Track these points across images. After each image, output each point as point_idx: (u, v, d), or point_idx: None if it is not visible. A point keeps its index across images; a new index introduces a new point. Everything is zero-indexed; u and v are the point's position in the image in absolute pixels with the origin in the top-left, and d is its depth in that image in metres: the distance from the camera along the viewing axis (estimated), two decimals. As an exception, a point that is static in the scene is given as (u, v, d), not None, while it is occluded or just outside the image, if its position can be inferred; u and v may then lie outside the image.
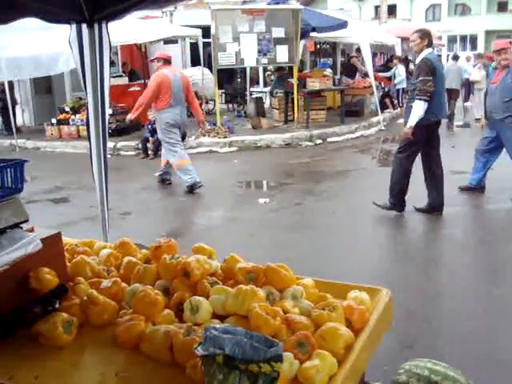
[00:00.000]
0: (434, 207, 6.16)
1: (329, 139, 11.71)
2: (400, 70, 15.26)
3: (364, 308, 1.86)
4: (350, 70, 15.68)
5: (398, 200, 6.16)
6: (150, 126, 10.91)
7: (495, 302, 4.03)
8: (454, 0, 40.00)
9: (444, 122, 8.30)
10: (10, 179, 1.98)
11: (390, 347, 3.04)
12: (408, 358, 2.47)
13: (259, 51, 11.40)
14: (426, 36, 5.94)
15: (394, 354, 3.08)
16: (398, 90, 15.50)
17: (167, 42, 15.94)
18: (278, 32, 11.44)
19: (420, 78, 5.72)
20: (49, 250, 1.98)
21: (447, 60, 31.54)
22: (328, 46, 17.53)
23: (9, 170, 1.98)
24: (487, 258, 5.01)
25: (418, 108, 5.72)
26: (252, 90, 16.37)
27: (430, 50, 5.95)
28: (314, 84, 12.62)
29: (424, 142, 5.94)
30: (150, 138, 10.78)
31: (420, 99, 5.70)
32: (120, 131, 12.11)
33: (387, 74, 15.42)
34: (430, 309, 3.99)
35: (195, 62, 16.40)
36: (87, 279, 2.15)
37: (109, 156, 3.92)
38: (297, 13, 11.54)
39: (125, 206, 6.91)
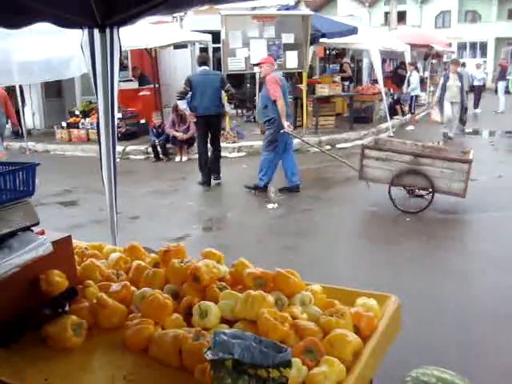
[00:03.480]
0: (204, 182, 8.26)
1: (337, 145, 11.68)
2: (414, 77, 15.21)
3: (372, 315, 1.86)
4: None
5: (207, 177, 8.19)
6: (155, 130, 10.98)
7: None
8: (464, 7, 39.80)
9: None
10: (21, 182, 2.00)
11: (398, 354, 3.02)
12: (416, 364, 2.46)
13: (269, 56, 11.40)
14: (196, 60, 8.64)
15: (402, 360, 3.06)
16: (411, 97, 15.45)
17: (177, 46, 16.00)
18: (288, 38, 11.44)
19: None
20: (59, 252, 1.99)
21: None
22: (337, 52, 17.48)
23: (20, 173, 1.99)
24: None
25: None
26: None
27: (200, 68, 8.27)
28: (323, 90, 12.62)
29: (203, 129, 8.15)
30: (156, 141, 10.83)
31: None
32: (129, 135, 12.17)
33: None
34: (438, 315, 3.96)
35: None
36: (97, 282, 2.17)
37: (118, 160, 3.94)
38: (306, 19, 11.54)
39: (133, 210, 6.93)
